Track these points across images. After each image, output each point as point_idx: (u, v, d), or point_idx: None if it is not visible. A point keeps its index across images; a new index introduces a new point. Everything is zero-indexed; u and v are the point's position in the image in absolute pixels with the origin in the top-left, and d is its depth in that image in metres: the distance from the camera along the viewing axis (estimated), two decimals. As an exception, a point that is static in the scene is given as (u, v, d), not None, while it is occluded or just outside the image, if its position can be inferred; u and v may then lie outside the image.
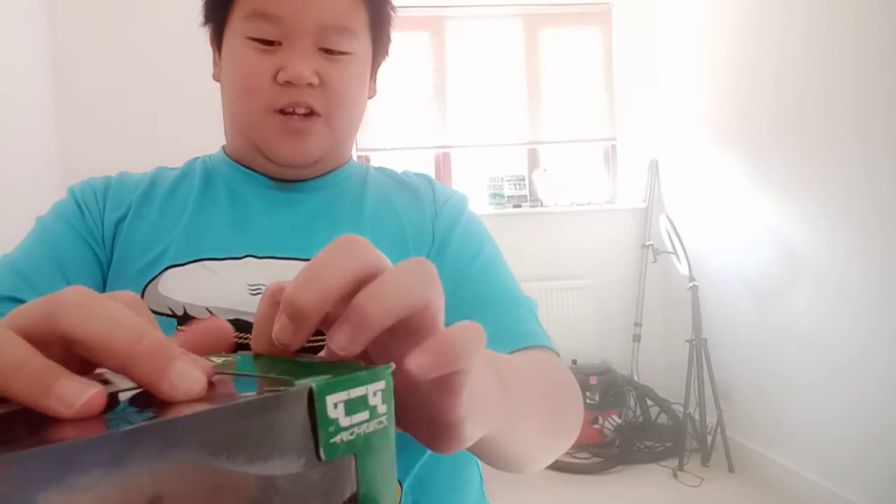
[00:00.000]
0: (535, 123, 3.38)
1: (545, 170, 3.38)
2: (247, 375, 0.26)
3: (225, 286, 0.61)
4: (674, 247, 2.94)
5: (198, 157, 0.75)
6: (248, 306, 0.60)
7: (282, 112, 0.64)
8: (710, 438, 2.79)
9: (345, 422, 0.23)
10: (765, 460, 2.62)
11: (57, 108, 2.80)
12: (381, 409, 0.25)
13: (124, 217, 0.66)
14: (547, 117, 3.39)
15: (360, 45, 0.66)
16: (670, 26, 3.22)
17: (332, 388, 0.23)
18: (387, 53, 0.73)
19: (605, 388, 2.97)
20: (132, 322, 0.23)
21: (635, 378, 3.18)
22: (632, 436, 2.92)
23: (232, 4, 0.65)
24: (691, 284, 2.86)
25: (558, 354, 0.64)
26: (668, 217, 3.00)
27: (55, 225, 0.65)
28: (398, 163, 3.29)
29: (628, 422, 3.02)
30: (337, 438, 0.23)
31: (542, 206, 3.33)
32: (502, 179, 3.36)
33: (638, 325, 3.26)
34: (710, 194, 2.97)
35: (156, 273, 0.62)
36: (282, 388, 0.22)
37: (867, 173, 2.11)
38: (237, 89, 0.65)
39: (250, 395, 0.22)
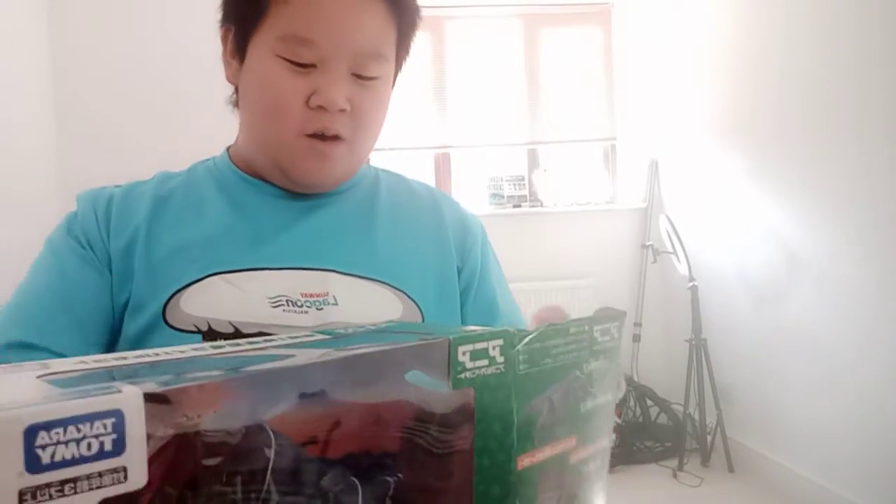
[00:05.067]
0: (535, 123, 3.38)
1: (545, 170, 3.38)
2: (403, 332, 0.36)
3: (246, 299, 0.61)
4: (673, 247, 2.94)
5: (200, 163, 0.74)
6: (271, 319, 0.61)
7: (310, 136, 0.63)
8: (709, 438, 2.79)
9: (469, 365, 0.32)
10: (764, 460, 2.62)
11: (56, 113, 2.80)
12: (499, 359, 0.33)
13: (133, 241, 0.64)
14: (547, 117, 3.38)
15: (390, 66, 0.67)
16: (670, 26, 3.22)
17: (463, 341, 0.32)
18: (402, 66, 0.74)
19: (604, 388, 2.97)
20: None
21: (635, 378, 3.18)
22: (632, 436, 2.92)
23: (264, 17, 0.62)
24: (691, 284, 2.86)
25: None
26: (667, 217, 3.00)
27: (64, 258, 0.63)
28: (398, 163, 3.29)
29: (628, 422, 3.02)
30: (462, 375, 0.31)
31: (541, 206, 3.33)
32: (502, 179, 3.36)
33: (638, 325, 3.26)
34: (709, 194, 2.97)
35: (174, 291, 0.61)
36: (430, 338, 0.32)
37: (867, 174, 2.11)
38: (266, 109, 0.64)
39: (411, 342, 0.31)
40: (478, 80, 3.32)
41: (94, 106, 2.83)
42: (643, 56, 3.35)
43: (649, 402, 3.04)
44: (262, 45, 0.62)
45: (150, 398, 0.23)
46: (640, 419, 3.03)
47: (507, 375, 0.33)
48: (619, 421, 3.00)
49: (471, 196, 3.36)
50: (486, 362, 0.32)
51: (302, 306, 0.62)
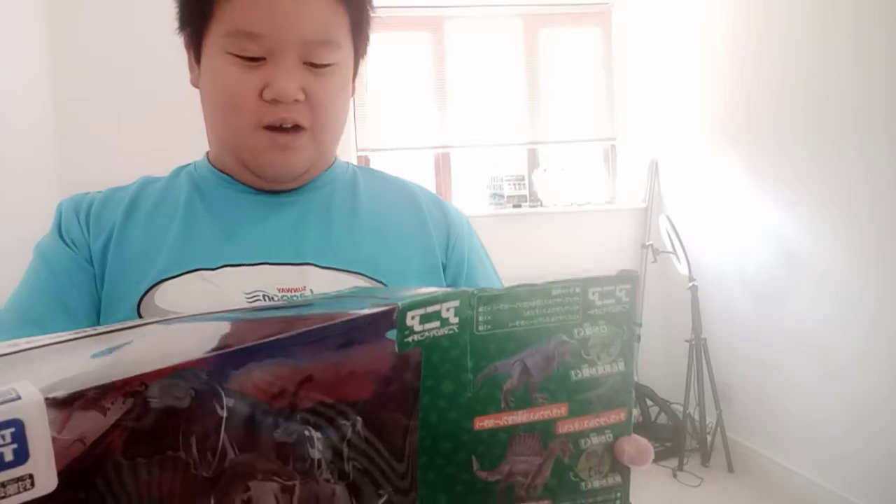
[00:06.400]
0: (535, 123, 3.38)
1: (545, 170, 3.38)
2: (363, 297, 0.37)
3: (222, 295, 0.61)
4: (673, 247, 2.94)
5: (184, 166, 0.74)
6: None
7: (268, 128, 0.63)
8: (709, 438, 2.79)
9: (418, 328, 0.31)
10: (764, 460, 2.62)
11: (57, 115, 2.80)
12: (453, 320, 0.32)
13: (109, 240, 0.65)
14: (547, 117, 3.38)
15: (343, 53, 0.65)
16: (670, 26, 3.22)
17: (413, 306, 0.31)
18: (366, 52, 0.73)
19: (604, 388, 2.97)
20: None
21: (635, 378, 3.17)
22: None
23: (211, 18, 0.62)
24: (691, 284, 2.86)
25: None
26: (667, 217, 3.00)
27: (53, 259, 0.65)
28: (398, 163, 3.29)
29: (628, 422, 3.02)
30: (409, 339, 0.31)
31: (541, 206, 3.33)
32: (502, 179, 3.36)
33: (638, 325, 3.26)
34: (709, 194, 2.97)
35: (150, 286, 0.61)
36: (386, 306, 0.32)
37: (866, 174, 2.11)
38: (221, 106, 0.64)
39: (366, 311, 0.32)
40: (478, 80, 3.32)
41: (94, 106, 2.83)
42: (643, 56, 3.35)
43: (649, 402, 3.04)
44: (213, 44, 0.62)
45: (52, 403, 0.22)
46: (640, 419, 3.03)
47: (461, 336, 0.33)
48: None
49: (471, 196, 3.36)
50: (437, 324, 0.32)
51: (279, 302, 0.62)
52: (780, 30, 2.48)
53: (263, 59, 0.61)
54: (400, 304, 0.31)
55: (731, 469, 2.70)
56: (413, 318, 0.31)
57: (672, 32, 3.21)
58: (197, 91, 0.69)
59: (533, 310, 0.35)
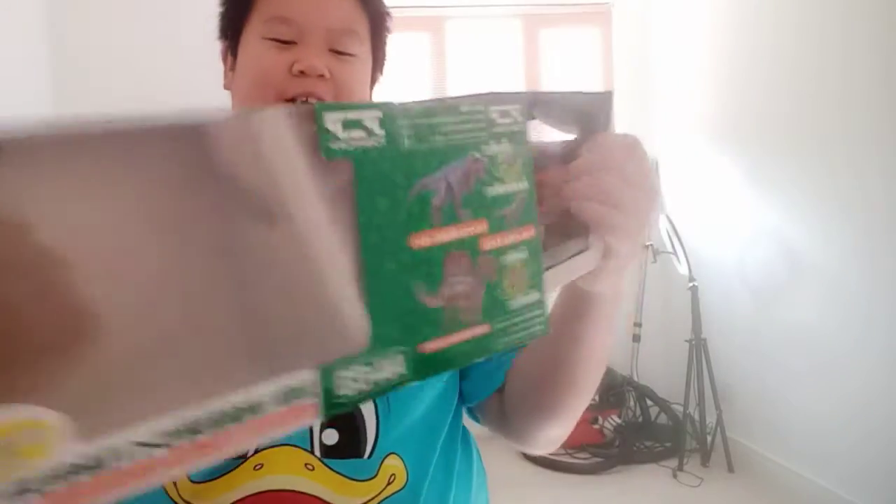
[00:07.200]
0: (535, 123, 3.38)
1: (545, 170, 3.38)
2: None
3: None
4: (673, 247, 2.94)
5: None
6: None
7: (292, 101, 0.69)
8: (709, 438, 2.79)
9: (342, 135, 0.30)
10: (764, 460, 2.62)
11: (56, 113, 2.80)
12: (379, 131, 0.31)
13: None
14: (547, 117, 3.38)
15: (364, 49, 0.73)
16: (670, 27, 3.22)
17: (330, 108, 0.30)
18: (382, 71, 0.79)
19: (604, 389, 2.97)
20: None
21: (635, 378, 3.18)
22: (631, 436, 2.92)
23: (249, 13, 0.71)
24: (691, 285, 2.86)
25: None
26: (668, 217, 3.00)
27: None
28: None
29: (628, 422, 3.02)
30: (335, 146, 0.29)
31: (541, 206, 3.32)
32: (502, 179, 3.36)
33: (638, 325, 3.26)
34: (709, 194, 2.97)
35: None
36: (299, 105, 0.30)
37: (863, 173, 2.11)
38: (252, 80, 0.71)
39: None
40: (478, 81, 3.32)
41: (94, 106, 2.83)
42: (643, 56, 3.35)
43: (649, 402, 3.04)
44: (252, 33, 0.71)
45: None
46: (640, 419, 3.03)
47: (389, 150, 0.32)
48: (618, 421, 3.01)
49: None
50: (363, 134, 0.31)
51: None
52: (776, 30, 2.48)
53: (295, 42, 0.69)
54: (315, 104, 0.30)
55: (731, 469, 2.70)
56: (334, 122, 0.30)
57: (671, 33, 3.21)
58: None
59: (447, 125, 0.35)
